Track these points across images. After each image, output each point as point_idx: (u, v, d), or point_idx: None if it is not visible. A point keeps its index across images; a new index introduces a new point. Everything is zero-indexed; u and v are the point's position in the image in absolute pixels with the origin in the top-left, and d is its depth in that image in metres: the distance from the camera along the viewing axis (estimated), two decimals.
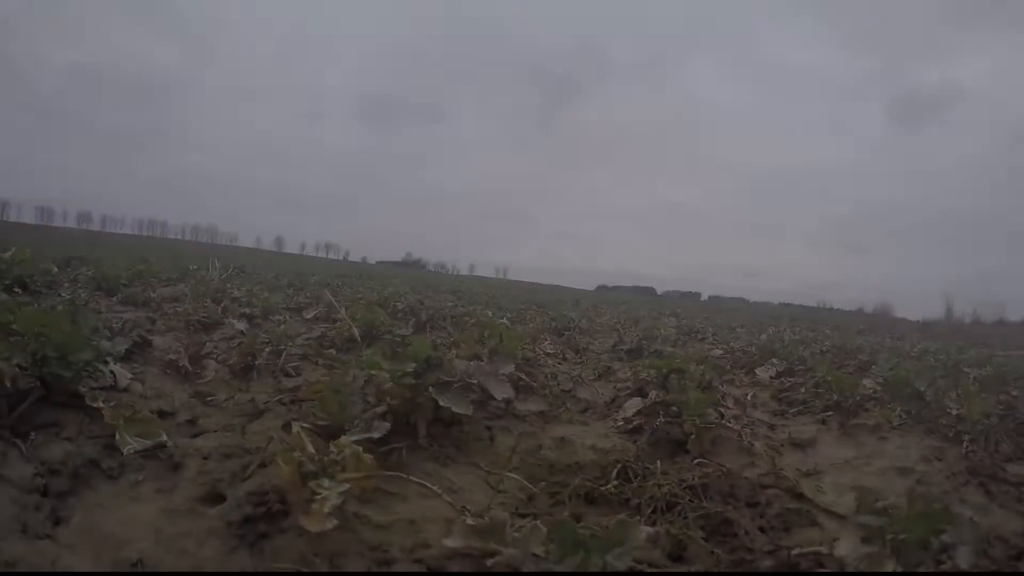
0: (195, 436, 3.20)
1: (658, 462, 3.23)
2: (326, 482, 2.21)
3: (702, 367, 5.76)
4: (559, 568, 1.86)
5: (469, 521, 2.08)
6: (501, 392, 3.89)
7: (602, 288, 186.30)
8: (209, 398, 3.86)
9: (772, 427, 4.71)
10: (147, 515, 2.40)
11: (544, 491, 2.94)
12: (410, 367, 3.48)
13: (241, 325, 6.88)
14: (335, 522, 2.08)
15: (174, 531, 2.31)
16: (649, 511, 2.72)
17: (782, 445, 4.12)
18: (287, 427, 3.14)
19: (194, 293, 9.93)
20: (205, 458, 2.84)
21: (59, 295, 8.84)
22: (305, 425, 3.05)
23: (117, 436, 2.78)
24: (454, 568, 2.10)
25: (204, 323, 6.87)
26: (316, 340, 6.10)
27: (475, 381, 3.78)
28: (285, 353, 5.03)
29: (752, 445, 3.90)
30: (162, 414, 3.33)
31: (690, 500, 2.79)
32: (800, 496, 3.01)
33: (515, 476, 2.98)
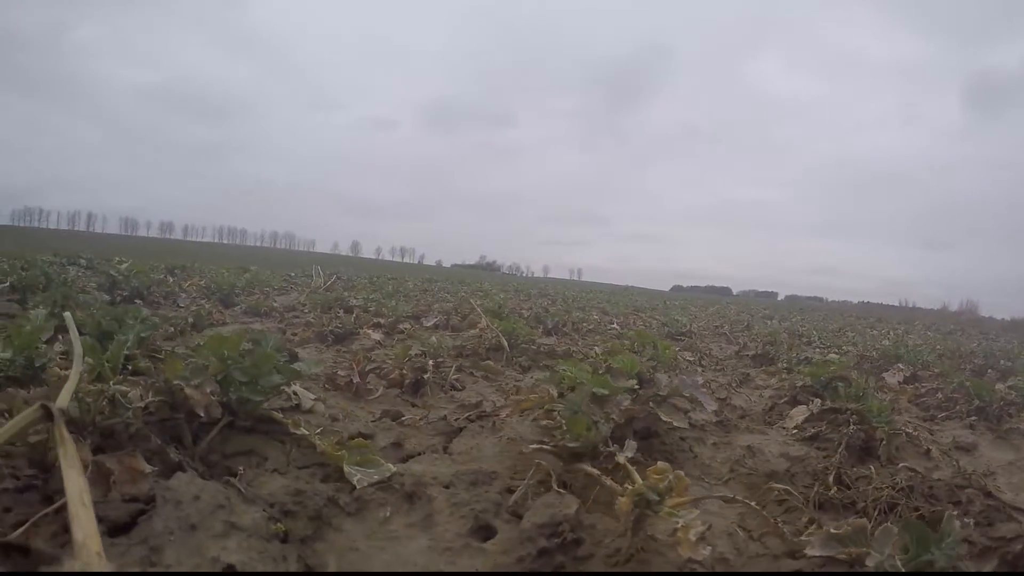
0: (405, 460, 2.96)
1: (871, 467, 3.21)
2: (679, 511, 2.09)
3: (865, 375, 5.63)
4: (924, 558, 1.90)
5: (832, 529, 2.03)
6: (710, 404, 3.77)
7: (677, 288, 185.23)
8: (403, 418, 3.63)
9: (931, 432, 4.74)
10: (415, 555, 2.15)
11: (772, 499, 2.87)
12: (633, 383, 3.44)
13: (377, 335, 6.73)
14: (709, 548, 1.95)
15: (455, 572, 2.10)
16: (875, 512, 2.75)
17: (951, 449, 4.17)
18: (536, 449, 2.93)
19: (312, 302, 9.87)
20: (447, 486, 2.62)
21: (178, 306, 8.82)
22: (546, 447, 2.90)
23: (346, 468, 2.53)
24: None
25: (337, 334, 6.73)
26: (456, 349, 5.89)
27: (687, 394, 3.66)
28: (454, 367, 4.82)
29: (929, 449, 3.94)
30: (362, 437, 3.08)
31: (905, 501, 2.80)
32: (989, 495, 2.96)
33: (783, 487, 2.86)
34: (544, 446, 2.91)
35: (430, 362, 4.69)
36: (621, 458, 2.63)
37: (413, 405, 4.07)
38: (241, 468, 2.49)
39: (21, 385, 3.38)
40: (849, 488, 2.98)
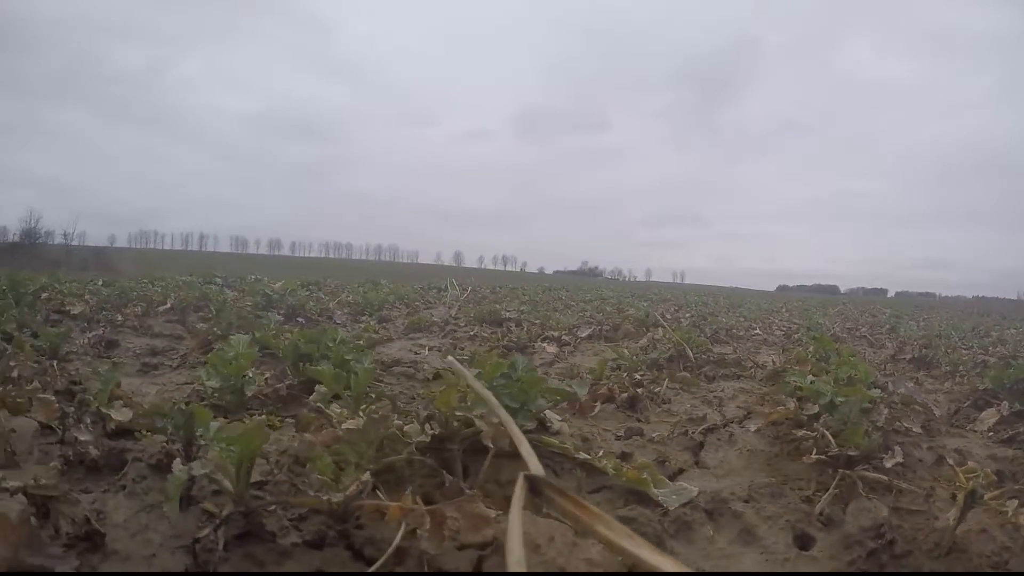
0: (672, 477, 3.02)
1: None
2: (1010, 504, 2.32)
3: None
4: None
5: None
6: (939, 410, 4.02)
7: (783, 288, 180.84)
8: (651, 435, 3.70)
9: None
10: (755, 569, 2.26)
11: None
12: (878, 392, 3.56)
13: (552, 348, 6.84)
14: None
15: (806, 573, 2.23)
16: None
17: None
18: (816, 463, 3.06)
19: (467, 316, 10.04)
20: (745, 501, 2.70)
21: (335, 323, 9.03)
22: (824, 457, 3.02)
23: (652, 491, 2.61)
24: None
25: (510, 348, 6.89)
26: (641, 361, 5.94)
27: (919, 399, 3.72)
28: (665, 381, 4.86)
29: None
30: (624, 457, 3.15)
31: None
32: None
33: None
34: (823, 456, 3.01)
35: (637, 375, 4.75)
36: (950, 465, 2.80)
37: (638, 420, 4.11)
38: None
39: (227, 414, 3.50)
40: None
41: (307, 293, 12.17)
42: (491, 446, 2.66)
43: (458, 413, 2.74)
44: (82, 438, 2.86)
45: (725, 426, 3.95)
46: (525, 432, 2.94)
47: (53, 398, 3.18)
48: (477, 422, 2.70)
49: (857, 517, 2.43)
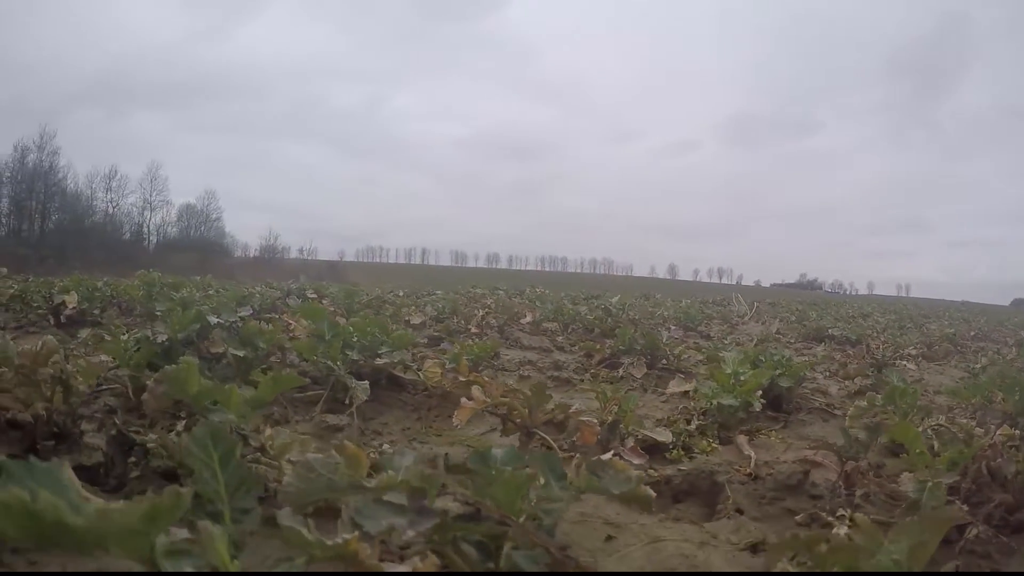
0: None
1: None
2: None
3: None
4: None
5: None
6: None
7: (1018, 303, 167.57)
8: None
9: None
10: None
11: None
12: None
13: (913, 366, 7.67)
14: None
15: None
16: None
17: None
18: None
19: (791, 332, 10.77)
20: None
21: (672, 336, 9.65)
22: None
23: None
24: None
25: (870, 364, 7.75)
26: None
27: None
28: None
29: None
30: None
31: None
32: None
33: None
34: None
35: None
36: None
37: None
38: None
39: (725, 429, 3.73)
40: None
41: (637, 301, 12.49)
42: None
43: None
44: (634, 461, 2.93)
45: None
46: None
47: (595, 421, 3.24)
48: None
49: None
